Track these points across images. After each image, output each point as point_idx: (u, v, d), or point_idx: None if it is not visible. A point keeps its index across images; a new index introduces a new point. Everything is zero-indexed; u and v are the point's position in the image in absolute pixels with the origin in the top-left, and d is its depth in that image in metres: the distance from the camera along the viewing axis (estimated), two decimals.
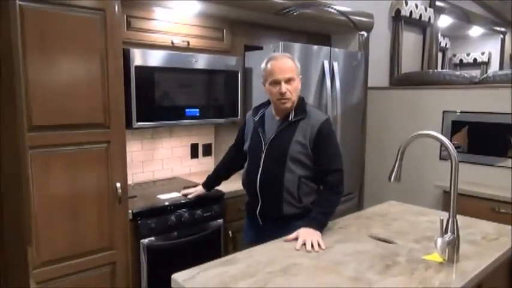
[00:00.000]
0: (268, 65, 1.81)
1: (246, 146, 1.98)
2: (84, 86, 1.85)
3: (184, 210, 2.27)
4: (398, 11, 3.90)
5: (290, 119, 1.82)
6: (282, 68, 1.77)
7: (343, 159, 1.85)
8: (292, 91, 1.79)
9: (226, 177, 2.25)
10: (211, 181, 2.26)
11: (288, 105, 1.81)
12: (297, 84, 1.82)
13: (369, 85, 3.50)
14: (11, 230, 0.48)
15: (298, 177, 1.79)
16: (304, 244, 1.56)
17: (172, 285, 1.32)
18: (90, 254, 1.94)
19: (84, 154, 1.88)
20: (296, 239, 1.61)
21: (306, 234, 1.61)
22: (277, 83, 1.78)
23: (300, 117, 1.82)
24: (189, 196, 2.28)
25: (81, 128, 1.87)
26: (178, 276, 1.31)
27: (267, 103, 1.95)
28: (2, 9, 0.46)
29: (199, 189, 2.27)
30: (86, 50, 1.84)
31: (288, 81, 1.78)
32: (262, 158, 1.85)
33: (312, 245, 1.55)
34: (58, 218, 1.83)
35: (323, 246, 1.56)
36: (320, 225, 1.69)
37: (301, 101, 1.87)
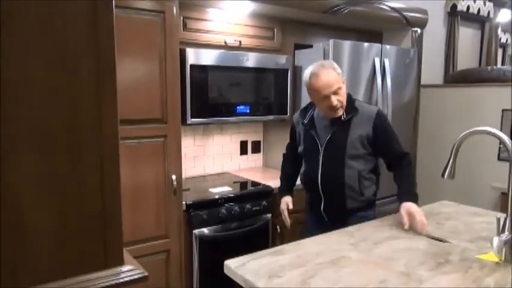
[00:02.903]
0: (312, 82, 1.78)
1: (300, 150, 2.00)
2: (144, 84, 1.98)
3: (234, 203, 2.35)
4: (454, 6, 3.75)
5: (343, 118, 1.83)
6: (328, 84, 1.75)
7: None
8: (342, 99, 1.80)
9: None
10: (291, 185, 2.12)
11: (340, 112, 1.82)
12: (344, 89, 1.81)
13: (422, 83, 3.41)
14: (111, 195, 0.57)
15: (358, 172, 1.84)
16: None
17: (224, 270, 1.39)
18: (147, 241, 2.07)
19: (143, 147, 2.02)
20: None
21: (414, 212, 1.70)
22: (326, 97, 1.77)
23: (352, 115, 1.83)
24: (285, 214, 2.02)
25: (141, 123, 2.00)
26: (230, 263, 1.38)
27: (313, 103, 1.93)
28: (102, 16, 0.54)
29: (289, 200, 2.05)
30: (147, 50, 1.97)
31: (336, 92, 1.77)
32: (321, 159, 1.87)
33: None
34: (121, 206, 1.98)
35: (426, 226, 1.66)
36: (416, 198, 1.78)
37: (349, 99, 1.86)
